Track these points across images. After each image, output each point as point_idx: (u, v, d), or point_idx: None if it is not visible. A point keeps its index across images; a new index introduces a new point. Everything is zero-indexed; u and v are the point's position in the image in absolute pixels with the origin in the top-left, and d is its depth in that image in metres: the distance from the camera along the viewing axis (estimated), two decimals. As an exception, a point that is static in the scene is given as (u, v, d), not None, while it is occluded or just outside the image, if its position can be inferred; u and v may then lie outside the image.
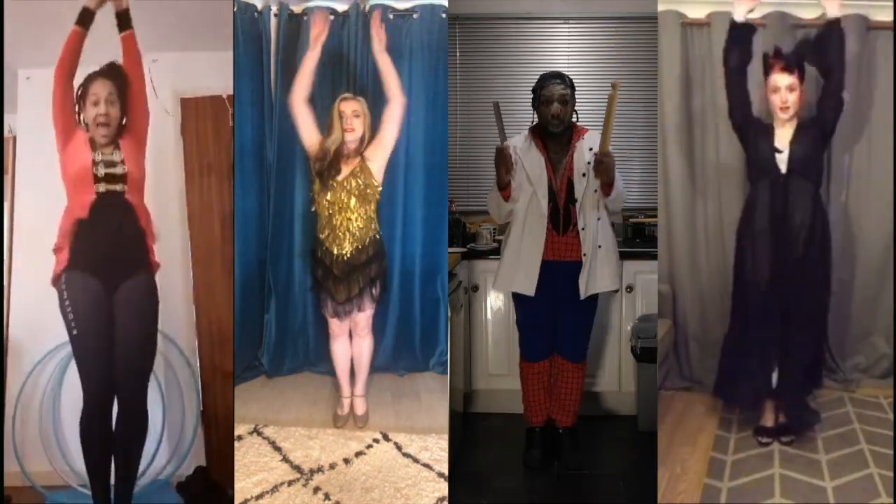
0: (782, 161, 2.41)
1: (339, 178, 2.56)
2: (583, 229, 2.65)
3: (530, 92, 2.73)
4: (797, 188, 2.42)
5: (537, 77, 2.72)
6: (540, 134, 2.70)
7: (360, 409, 2.76)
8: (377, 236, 2.66)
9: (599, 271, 2.69)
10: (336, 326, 2.71)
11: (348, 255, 2.59)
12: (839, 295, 2.92)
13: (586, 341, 2.87)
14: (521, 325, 2.89)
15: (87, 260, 2.19)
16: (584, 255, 2.66)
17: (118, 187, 2.21)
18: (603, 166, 2.52)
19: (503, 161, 2.55)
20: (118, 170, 2.22)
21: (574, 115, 2.70)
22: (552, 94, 2.61)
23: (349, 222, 2.58)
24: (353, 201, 2.56)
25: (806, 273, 2.44)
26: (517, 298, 2.82)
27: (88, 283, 2.19)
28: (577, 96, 2.70)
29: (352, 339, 2.75)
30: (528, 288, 2.68)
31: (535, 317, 2.81)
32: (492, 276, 3.33)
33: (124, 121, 2.29)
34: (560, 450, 2.87)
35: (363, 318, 2.68)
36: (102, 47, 2.24)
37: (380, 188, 2.62)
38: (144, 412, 2.28)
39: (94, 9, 2.20)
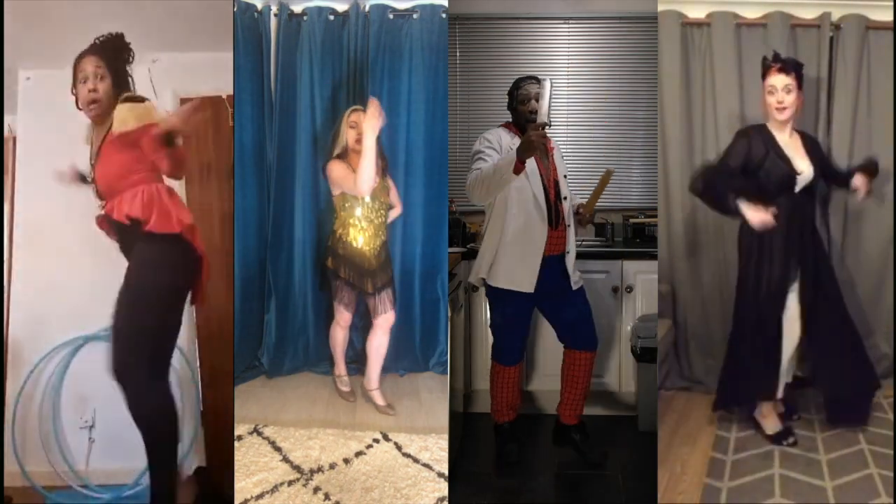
0: (802, 181, 2.43)
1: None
2: (569, 226, 2.71)
3: (506, 95, 2.78)
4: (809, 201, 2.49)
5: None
6: (520, 131, 2.71)
7: (380, 400, 2.94)
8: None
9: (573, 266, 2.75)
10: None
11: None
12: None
13: (594, 327, 2.81)
14: (502, 327, 2.78)
15: None
16: (567, 251, 2.70)
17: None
18: (583, 222, 2.80)
19: (540, 143, 2.39)
20: None
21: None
22: (528, 93, 2.67)
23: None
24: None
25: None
26: (499, 297, 2.70)
27: None
28: (577, 96, 2.70)
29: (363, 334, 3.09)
30: (529, 284, 2.63)
31: (519, 316, 2.74)
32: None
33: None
34: (578, 448, 2.82)
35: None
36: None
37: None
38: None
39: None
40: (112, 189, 2.10)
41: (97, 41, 2.19)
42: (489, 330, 2.87)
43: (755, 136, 2.43)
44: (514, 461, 2.81)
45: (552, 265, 2.67)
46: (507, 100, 2.78)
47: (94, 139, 2.20)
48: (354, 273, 2.87)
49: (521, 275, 2.64)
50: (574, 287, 2.72)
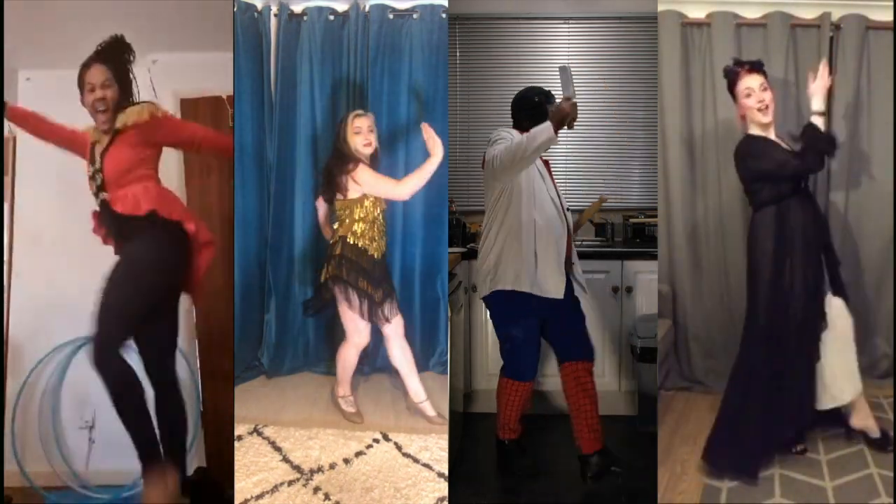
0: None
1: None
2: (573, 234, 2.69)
3: (528, 100, 2.69)
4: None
5: (537, 77, 2.72)
6: None
7: (430, 411, 2.76)
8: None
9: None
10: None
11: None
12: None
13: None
14: (521, 340, 2.63)
15: None
16: (573, 262, 2.68)
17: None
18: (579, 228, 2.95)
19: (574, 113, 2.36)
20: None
21: None
22: None
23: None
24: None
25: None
26: (514, 308, 2.58)
27: None
28: (577, 96, 2.67)
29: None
30: (559, 290, 2.53)
31: (533, 328, 2.62)
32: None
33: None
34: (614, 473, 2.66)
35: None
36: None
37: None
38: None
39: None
40: (117, 181, 2.15)
41: (100, 48, 2.21)
42: (491, 340, 2.78)
43: (758, 140, 2.36)
44: (534, 474, 2.73)
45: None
46: (508, 100, 2.74)
47: (99, 139, 2.22)
48: (365, 280, 2.63)
49: (553, 280, 2.53)
50: (583, 291, 2.68)
